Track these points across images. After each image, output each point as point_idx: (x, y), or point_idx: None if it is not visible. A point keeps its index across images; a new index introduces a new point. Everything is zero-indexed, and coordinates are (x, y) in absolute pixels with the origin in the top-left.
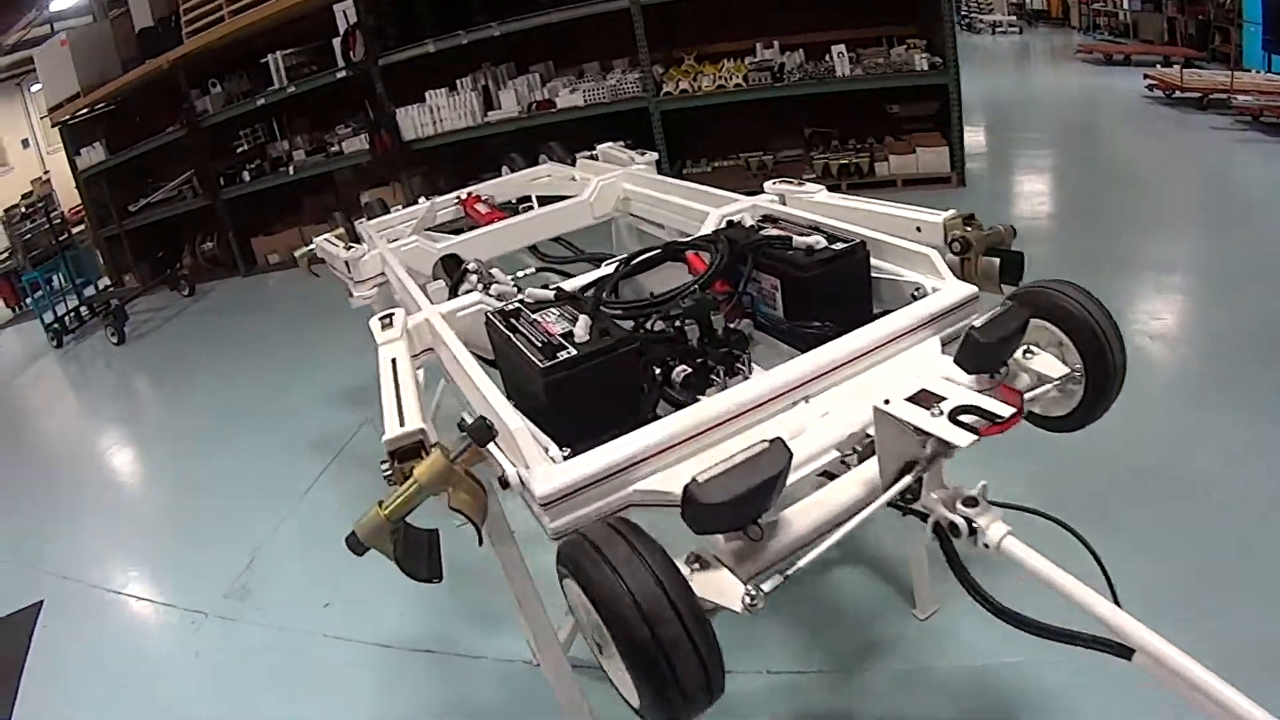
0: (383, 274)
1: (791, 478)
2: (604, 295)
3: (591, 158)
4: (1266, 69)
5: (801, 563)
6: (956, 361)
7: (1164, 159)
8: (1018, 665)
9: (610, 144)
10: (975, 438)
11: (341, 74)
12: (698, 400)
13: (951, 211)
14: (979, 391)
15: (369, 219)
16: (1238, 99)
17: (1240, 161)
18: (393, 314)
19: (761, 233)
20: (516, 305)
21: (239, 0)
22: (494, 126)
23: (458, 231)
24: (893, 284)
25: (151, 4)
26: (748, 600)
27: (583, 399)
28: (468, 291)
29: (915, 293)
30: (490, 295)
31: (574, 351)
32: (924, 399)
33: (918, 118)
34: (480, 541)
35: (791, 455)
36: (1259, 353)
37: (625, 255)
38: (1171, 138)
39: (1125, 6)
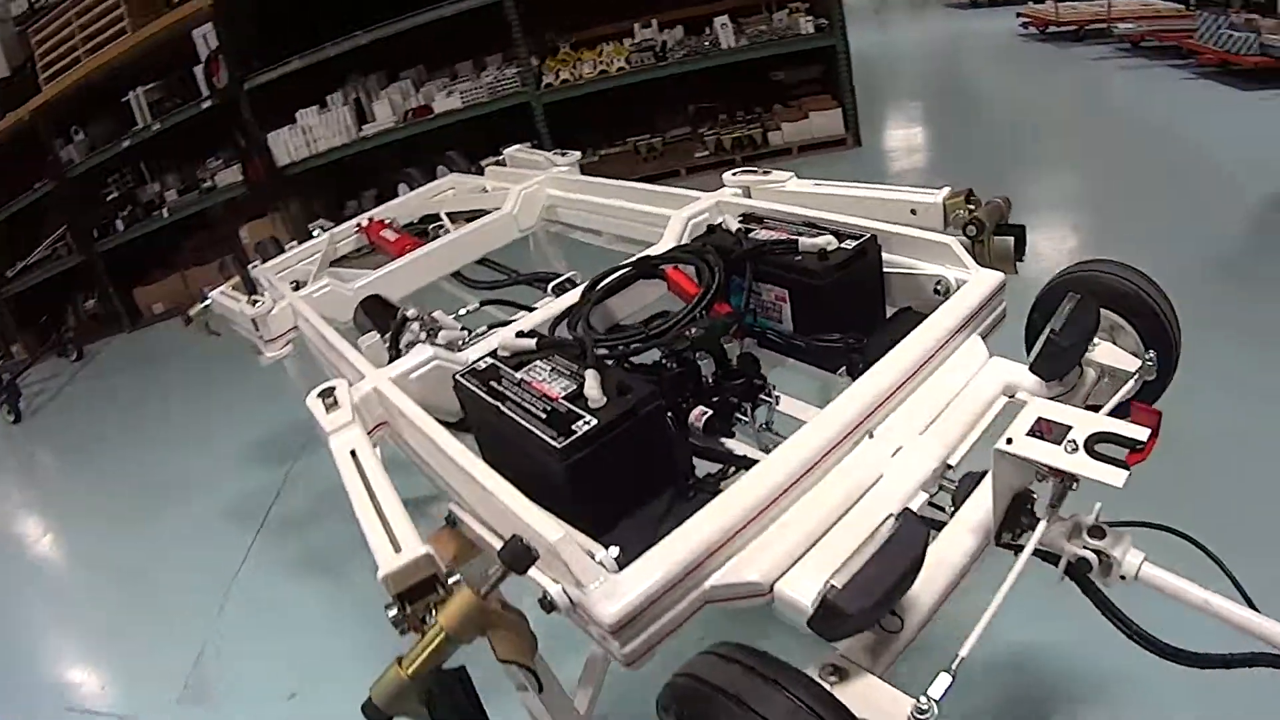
0: (295, 327)
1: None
2: (589, 333)
3: (498, 163)
4: None
5: (964, 650)
6: (1034, 370)
7: (1052, 94)
8: None
9: (518, 146)
10: (1127, 473)
11: (207, 103)
12: (722, 444)
13: (947, 189)
14: (1084, 409)
15: (263, 261)
16: (1118, 27)
17: (1128, 88)
18: (333, 388)
19: (752, 236)
20: (491, 363)
21: (94, 38)
22: (371, 140)
23: (374, 265)
24: (908, 279)
25: (6, 53)
26: (919, 715)
27: (611, 474)
28: (411, 344)
29: (938, 287)
30: (439, 344)
31: (593, 421)
32: (1045, 430)
33: (804, 82)
34: (540, 687)
35: (928, 530)
36: (1214, 278)
37: (593, 277)
38: (1057, 73)
39: None
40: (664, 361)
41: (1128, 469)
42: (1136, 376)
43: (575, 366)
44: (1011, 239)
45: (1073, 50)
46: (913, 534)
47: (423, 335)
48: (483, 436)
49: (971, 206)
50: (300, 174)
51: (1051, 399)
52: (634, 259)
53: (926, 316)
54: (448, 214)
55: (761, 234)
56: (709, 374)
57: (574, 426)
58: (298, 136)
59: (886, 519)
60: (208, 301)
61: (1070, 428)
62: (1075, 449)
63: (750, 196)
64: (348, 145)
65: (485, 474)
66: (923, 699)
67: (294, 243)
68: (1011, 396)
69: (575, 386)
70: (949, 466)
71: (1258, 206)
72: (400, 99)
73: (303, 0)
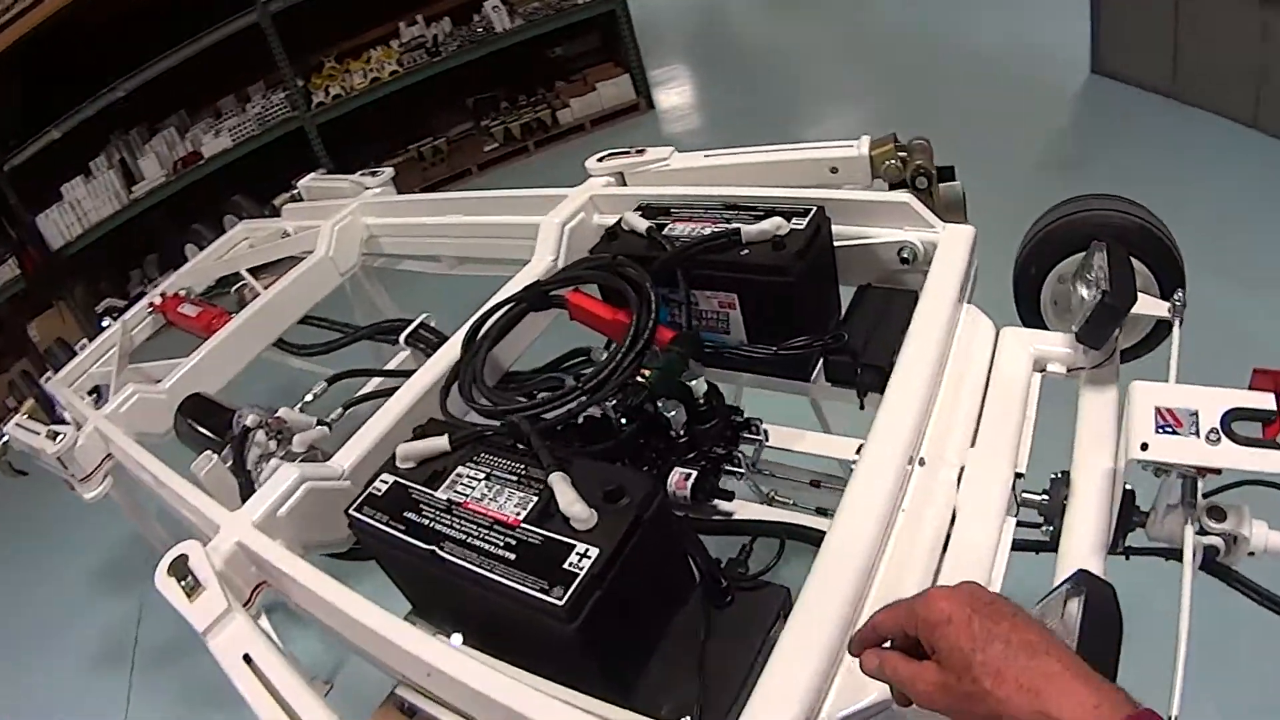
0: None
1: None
2: (509, 406)
3: (293, 199)
4: None
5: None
6: (1083, 339)
7: (829, 22)
8: None
9: (313, 175)
10: None
11: None
12: (716, 508)
13: (867, 138)
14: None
15: (55, 371)
16: None
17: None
18: (185, 556)
19: (668, 233)
20: (394, 483)
21: None
22: (144, 201)
23: (186, 346)
24: (863, 251)
25: None
26: None
27: (630, 611)
28: (260, 461)
29: (904, 254)
30: (297, 453)
31: (591, 551)
32: (1168, 420)
33: (585, 53)
34: None
35: (1113, 589)
36: (1054, 172)
37: (473, 321)
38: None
39: None
40: (613, 418)
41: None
42: (1171, 318)
43: (517, 464)
44: (958, 184)
45: None
46: (1103, 598)
47: (272, 446)
48: (406, 580)
49: (904, 154)
50: (78, 254)
51: (1095, 367)
52: (521, 289)
53: (894, 292)
54: (250, 271)
55: (677, 228)
56: (679, 425)
57: (567, 567)
58: (68, 213)
59: (1060, 588)
60: (4, 438)
61: (1196, 413)
62: (1219, 438)
63: (626, 184)
64: (120, 211)
65: (458, 664)
66: None
67: (84, 340)
68: (1043, 370)
69: (534, 497)
70: (1020, 475)
71: (1066, 95)
72: (166, 149)
73: (65, 59)
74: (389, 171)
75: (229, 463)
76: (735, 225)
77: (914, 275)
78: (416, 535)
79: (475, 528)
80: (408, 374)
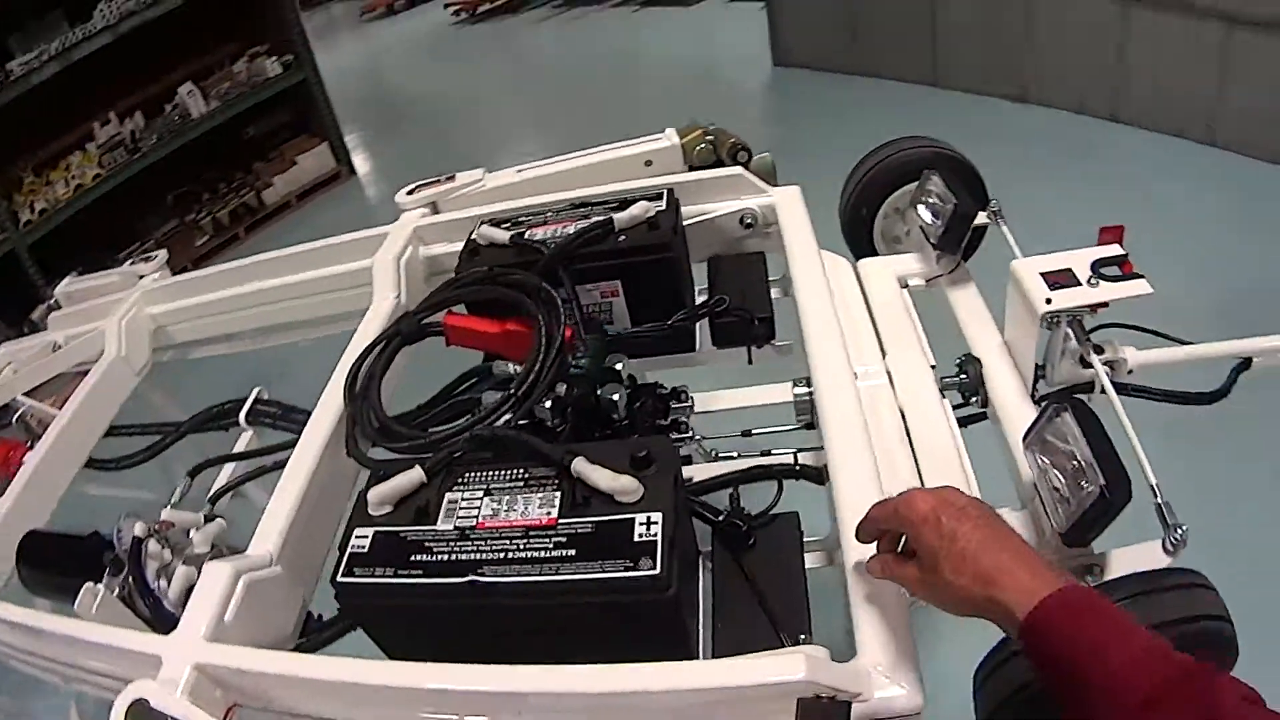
0: None
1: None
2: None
3: (50, 310)
4: None
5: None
6: (942, 246)
7: (526, 61)
8: None
9: (70, 278)
10: (1144, 279)
11: None
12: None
13: (672, 129)
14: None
15: None
16: None
17: (583, 33)
18: (144, 701)
19: (530, 239)
20: (380, 533)
21: None
22: None
23: None
24: (708, 226)
25: None
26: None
27: (690, 571)
28: (163, 574)
29: (746, 220)
30: (198, 553)
31: (655, 519)
32: (1057, 279)
33: (280, 128)
34: None
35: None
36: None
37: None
38: (517, 42)
39: None
40: (549, 419)
41: (1141, 275)
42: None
43: (513, 471)
44: (768, 155)
45: (511, 21)
46: (1081, 405)
47: (168, 555)
48: (423, 635)
49: (711, 138)
50: None
51: (951, 272)
52: (391, 325)
53: (742, 256)
54: (28, 395)
55: (537, 233)
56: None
57: (639, 539)
58: None
59: (1042, 418)
60: None
61: (1070, 269)
62: (1097, 282)
63: (440, 212)
64: None
65: (569, 677)
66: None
67: None
68: (906, 286)
69: (555, 494)
70: (933, 367)
71: (756, 88)
72: None
73: None
74: (162, 254)
75: (121, 590)
76: (606, 216)
77: (756, 238)
78: (440, 573)
79: (509, 542)
80: (281, 447)
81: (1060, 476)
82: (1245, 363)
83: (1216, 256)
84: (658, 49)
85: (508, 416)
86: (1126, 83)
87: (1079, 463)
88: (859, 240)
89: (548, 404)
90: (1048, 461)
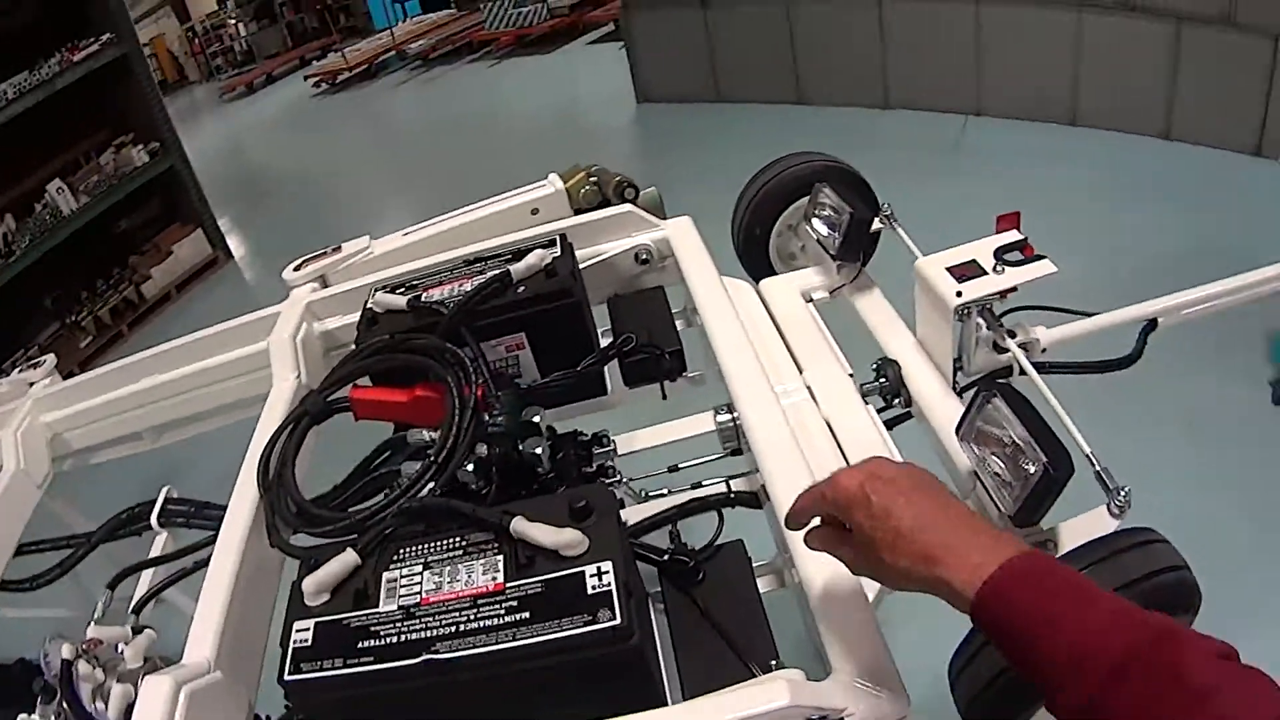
0: None
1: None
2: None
3: None
4: (405, 17)
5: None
6: (842, 256)
7: (387, 128)
8: None
9: None
10: (1047, 259)
11: None
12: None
13: (554, 175)
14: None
15: None
16: (410, 50)
17: (451, 93)
18: None
19: (427, 301)
20: (317, 624)
21: None
22: None
23: None
24: (604, 267)
25: None
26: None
27: (645, 615)
28: (98, 696)
29: (641, 256)
30: (131, 668)
31: (605, 569)
32: (962, 272)
33: (152, 219)
34: None
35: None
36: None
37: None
38: (375, 109)
39: (240, 35)
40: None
41: (1043, 256)
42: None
43: (449, 540)
44: (654, 189)
45: (371, 87)
46: (1010, 390)
47: (99, 675)
48: None
49: (595, 178)
50: None
51: (854, 280)
52: (296, 407)
53: (640, 293)
54: None
55: (434, 293)
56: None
57: (593, 592)
58: None
59: (973, 407)
60: None
61: (975, 260)
62: (1002, 268)
63: (329, 284)
64: None
65: None
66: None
67: None
68: (811, 300)
69: (497, 558)
70: (851, 375)
71: (624, 125)
72: None
73: None
74: (49, 359)
75: (56, 718)
76: (502, 269)
77: (653, 273)
78: (392, 656)
79: (459, 614)
80: (200, 546)
81: (999, 461)
82: (1152, 324)
83: (1097, 228)
84: (520, 99)
85: (431, 485)
86: (986, 77)
87: (1016, 445)
88: (756, 261)
89: (470, 467)
90: (985, 449)
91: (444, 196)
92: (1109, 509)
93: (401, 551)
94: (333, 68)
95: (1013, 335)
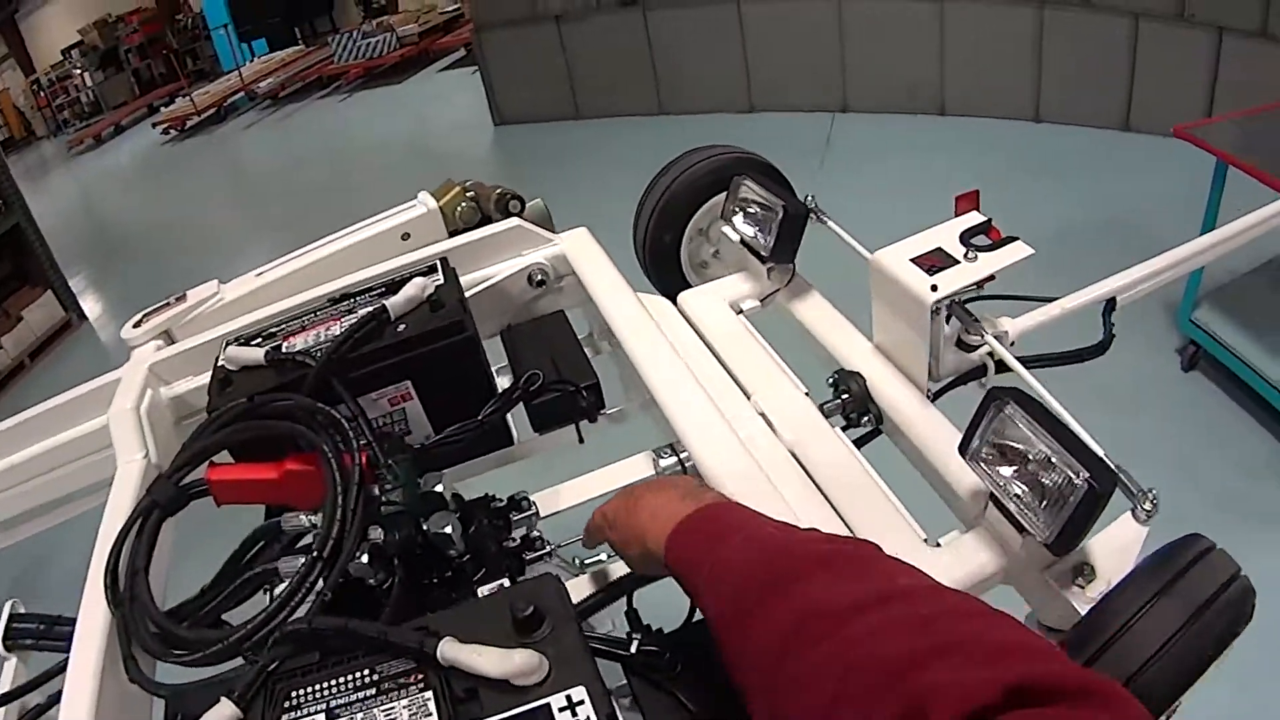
0: None
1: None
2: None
3: None
4: (253, 57)
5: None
6: (776, 258)
7: (238, 174)
8: None
9: None
10: (1020, 241)
11: None
12: None
13: (423, 194)
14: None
15: None
16: (258, 89)
17: (305, 132)
18: None
19: (290, 352)
20: None
21: None
22: None
23: None
24: (494, 292)
25: None
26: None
27: None
28: None
29: (537, 277)
30: None
31: (580, 697)
32: (929, 264)
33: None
34: None
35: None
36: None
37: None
38: (224, 153)
39: (87, 86)
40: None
41: (1015, 238)
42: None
43: (355, 676)
44: (539, 200)
45: (221, 130)
46: (1026, 401)
47: None
48: None
49: (471, 193)
50: None
51: (787, 284)
52: (144, 499)
53: (540, 320)
54: None
55: (296, 342)
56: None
57: None
58: None
59: (985, 417)
60: None
61: (940, 248)
62: (975, 254)
63: (176, 341)
64: None
65: None
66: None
67: None
68: (740, 311)
69: (425, 694)
70: (806, 394)
71: (485, 148)
72: None
73: None
74: None
75: None
76: (377, 305)
77: (549, 297)
78: None
79: None
80: (48, 677)
81: (1020, 482)
82: (1111, 303)
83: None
84: (374, 130)
85: (319, 587)
86: (852, 74)
87: (1044, 459)
88: (667, 273)
89: (364, 558)
90: (1002, 469)
91: (299, 236)
92: (1134, 515)
93: (295, 695)
94: (181, 113)
95: (980, 332)
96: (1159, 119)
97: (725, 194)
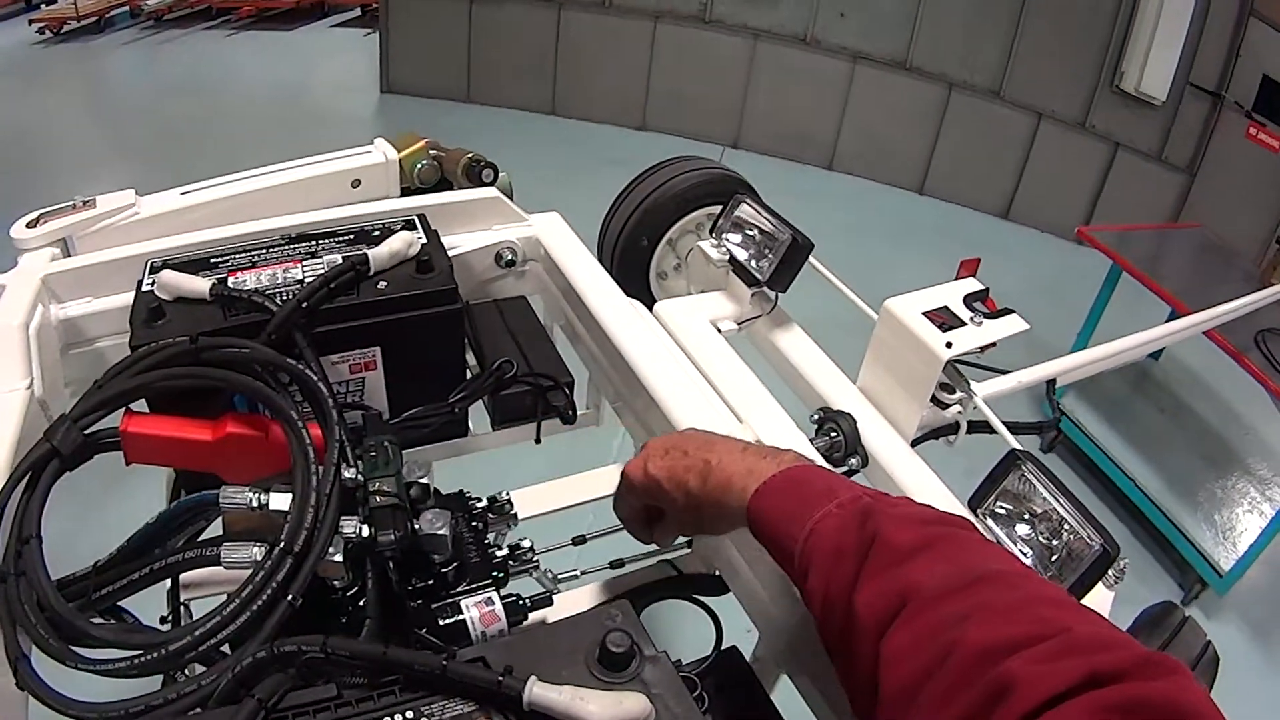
0: None
1: None
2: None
3: None
4: None
5: None
6: (773, 285)
7: (112, 91)
8: None
9: None
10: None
11: None
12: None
13: (380, 141)
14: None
15: None
16: (147, 5)
17: (182, 61)
18: None
19: (241, 288)
20: None
21: None
22: None
23: None
24: (459, 262)
25: None
26: None
27: None
28: None
29: (505, 254)
30: None
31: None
32: (941, 319)
33: None
34: None
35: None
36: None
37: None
38: (94, 66)
39: None
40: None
41: (1011, 310)
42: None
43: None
44: (505, 174)
45: (98, 41)
46: (1037, 463)
47: None
48: None
49: (436, 151)
50: None
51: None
52: (35, 454)
53: (502, 303)
54: None
55: (245, 279)
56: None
57: None
58: None
59: (997, 475)
60: None
61: (947, 307)
62: (980, 320)
63: (75, 253)
64: None
65: None
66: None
67: None
68: (720, 330)
69: None
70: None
71: (367, 115)
72: None
73: None
74: None
75: None
76: (359, 253)
77: (509, 280)
78: None
79: None
80: None
81: (1022, 540)
82: (1052, 383)
83: (855, 265)
84: (256, 74)
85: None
86: (750, 112)
87: (1056, 520)
88: (634, 276)
89: (338, 556)
90: (1016, 528)
91: (159, 167)
92: (1104, 581)
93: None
94: (61, 14)
95: (951, 391)
96: (1039, 215)
97: (708, 210)
